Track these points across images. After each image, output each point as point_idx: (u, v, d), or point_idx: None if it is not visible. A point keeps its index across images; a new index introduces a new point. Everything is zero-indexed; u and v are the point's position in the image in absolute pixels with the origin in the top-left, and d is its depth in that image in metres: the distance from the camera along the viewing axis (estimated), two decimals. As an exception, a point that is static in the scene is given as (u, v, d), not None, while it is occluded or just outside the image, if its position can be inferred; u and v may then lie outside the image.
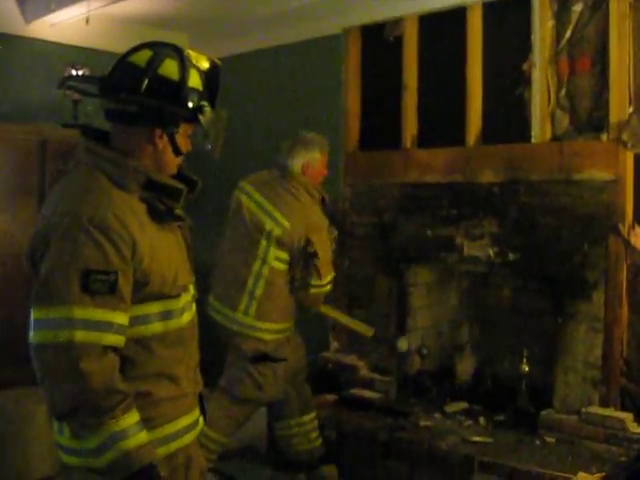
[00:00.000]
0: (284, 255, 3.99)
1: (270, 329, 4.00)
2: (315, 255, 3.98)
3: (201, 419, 2.39)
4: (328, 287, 4.14)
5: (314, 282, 4.04)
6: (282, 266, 4.01)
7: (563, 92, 3.99)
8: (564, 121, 4.01)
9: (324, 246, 4.07)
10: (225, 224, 4.18)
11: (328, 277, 4.11)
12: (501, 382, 4.68)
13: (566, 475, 3.53)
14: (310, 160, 4.13)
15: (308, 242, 3.98)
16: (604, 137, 3.86)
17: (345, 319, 4.67)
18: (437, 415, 4.41)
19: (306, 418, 4.31)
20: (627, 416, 3.74)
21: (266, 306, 3.99)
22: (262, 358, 3.99)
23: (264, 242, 3.98)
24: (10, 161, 4.82)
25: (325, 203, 4.21)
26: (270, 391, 4.05)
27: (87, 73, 4.99)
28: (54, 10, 4.90)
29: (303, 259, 4.01)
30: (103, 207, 2.03)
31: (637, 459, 3.09)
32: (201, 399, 2.39)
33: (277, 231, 3.97)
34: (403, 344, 4.69)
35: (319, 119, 5.25)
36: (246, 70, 5.70)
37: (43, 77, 5.35)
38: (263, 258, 3.98)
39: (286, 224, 3.97)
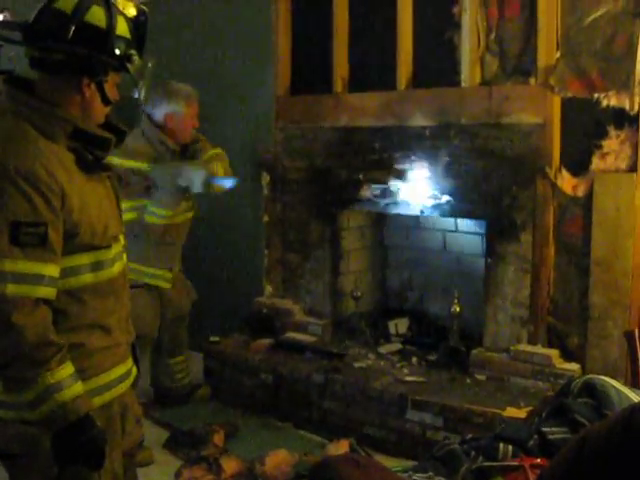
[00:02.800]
0: None
1: None
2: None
3: (134, 368, 2.39)
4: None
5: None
6: None
7: (492, 36, 4.01)
8: (493, 65, 4.04)
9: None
10: None
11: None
12: (433, 322, 4.79)
13: (495, 410, 3.66)
14: (173, 112, 4.18)
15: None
16: (532, 81, 3.90)
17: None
18: (371, 356, 4.49)
19: (172, 361, 4.63)
20: (553, 352, 3.88)
21: None
22: None
23: None
24: None
25: (188, 154, 4.32)
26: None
27: (8, 18, 4.82)
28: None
29: None
30: (30, 157, 1.98)
31: (561, 393, 3.20)
32: (134, 349, 2.40)
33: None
34: None
35: (248, 63, 5.18)
36: (171, 12, 5.55)
37: (-38, 20, 5.16)
38: None
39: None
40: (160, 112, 4.18)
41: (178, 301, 4.50)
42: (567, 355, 3.90)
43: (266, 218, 5.12)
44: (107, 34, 2.09)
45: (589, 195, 3.77)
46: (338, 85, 4.67)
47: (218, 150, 4.44)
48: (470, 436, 3.09)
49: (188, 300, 4.61)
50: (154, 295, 4.32)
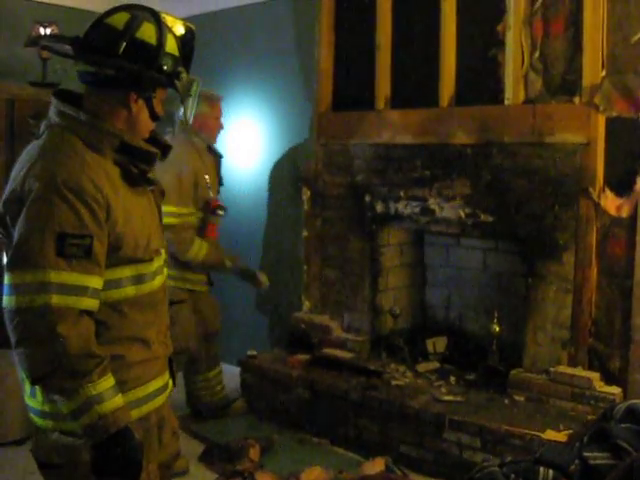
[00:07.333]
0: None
1: None
2: None
3: (171, 382, 2.40)
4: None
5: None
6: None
7: (537, 55, 3.98)
8: (537, 84, 4.01)
9: None
10: None
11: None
12: (472, 342, 4.75)
13: (534, 432, 3.61)
14: (196, 113, 4.18)
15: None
16: (577, 100, 3.87)
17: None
18: (409, 374, 4.46)
19: (211, 374, 4.70)
20: (594, 375, 3.82)
21: None
22: None
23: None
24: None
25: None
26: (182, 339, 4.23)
27: (55, 31, 4.90)
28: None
29: None
30: (77, 170, 2.01)
31: (603, 417, 3.15)
32: (170, 362, 2.41)
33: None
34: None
35: (291, 79, 5.21)
36: (217, 28, 5.62)
37: (10, 34, 5.23)
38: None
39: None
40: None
41: (209, 317, 4.62)
42: (608, 378, 3.83)
43: (305, 233, 5.12)
44: (157, 51, 2.12)
45: (633, 216, 3.72)
46: (380, 102, 4.66)
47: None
48: (509, 459, 3.05)
49: (217, 319, 4.72)
50: (191, 310, 4.41)
